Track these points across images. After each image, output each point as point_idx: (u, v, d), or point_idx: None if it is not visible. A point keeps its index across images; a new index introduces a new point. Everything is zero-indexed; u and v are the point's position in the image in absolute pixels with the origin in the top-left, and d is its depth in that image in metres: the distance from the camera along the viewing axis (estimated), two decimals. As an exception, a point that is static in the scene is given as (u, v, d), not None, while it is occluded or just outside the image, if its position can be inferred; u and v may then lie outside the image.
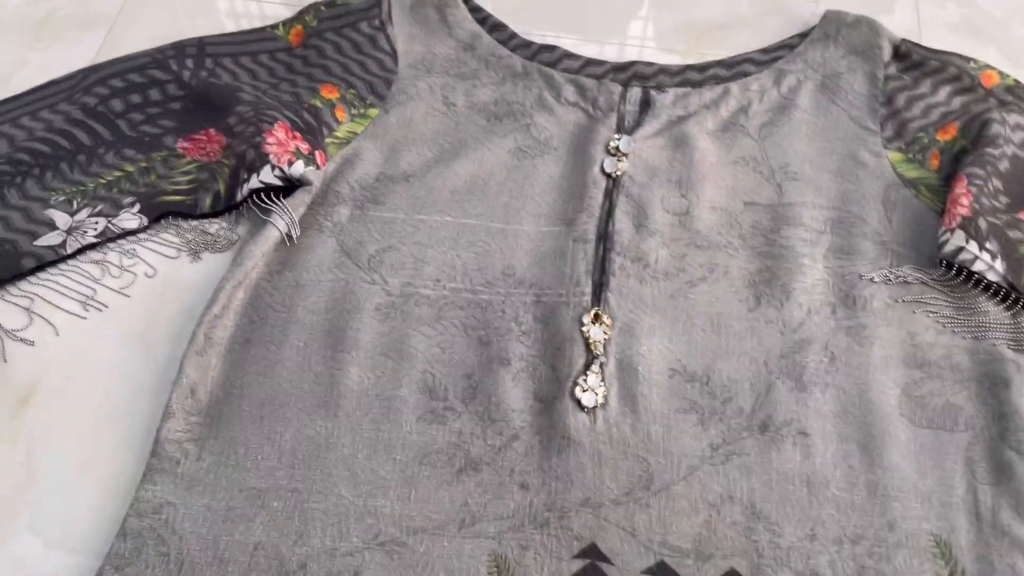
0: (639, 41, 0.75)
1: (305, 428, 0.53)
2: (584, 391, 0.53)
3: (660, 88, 0.68)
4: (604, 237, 0.60)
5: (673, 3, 0.77)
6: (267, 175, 0.60)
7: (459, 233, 0.61)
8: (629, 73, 0.69)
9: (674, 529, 0.49)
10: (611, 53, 0.71)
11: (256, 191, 0.60)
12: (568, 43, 0.72)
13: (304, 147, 0.62)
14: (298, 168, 0.60)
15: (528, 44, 0.71)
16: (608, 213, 0.61)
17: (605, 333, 0.55)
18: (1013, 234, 0.57)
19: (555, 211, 0.62)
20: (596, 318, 0.56)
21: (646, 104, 0.67)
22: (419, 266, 0.59)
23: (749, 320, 0.57)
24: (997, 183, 0.60)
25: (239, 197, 0.60)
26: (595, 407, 0.53)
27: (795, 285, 0.58)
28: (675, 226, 0.61)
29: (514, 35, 0.72)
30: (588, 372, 0.54)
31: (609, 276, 0.58)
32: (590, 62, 0.70)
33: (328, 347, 0.56)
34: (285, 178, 0.60)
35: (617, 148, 0.64)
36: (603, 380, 0.54)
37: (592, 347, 0.55)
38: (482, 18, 0.73)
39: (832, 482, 0.51)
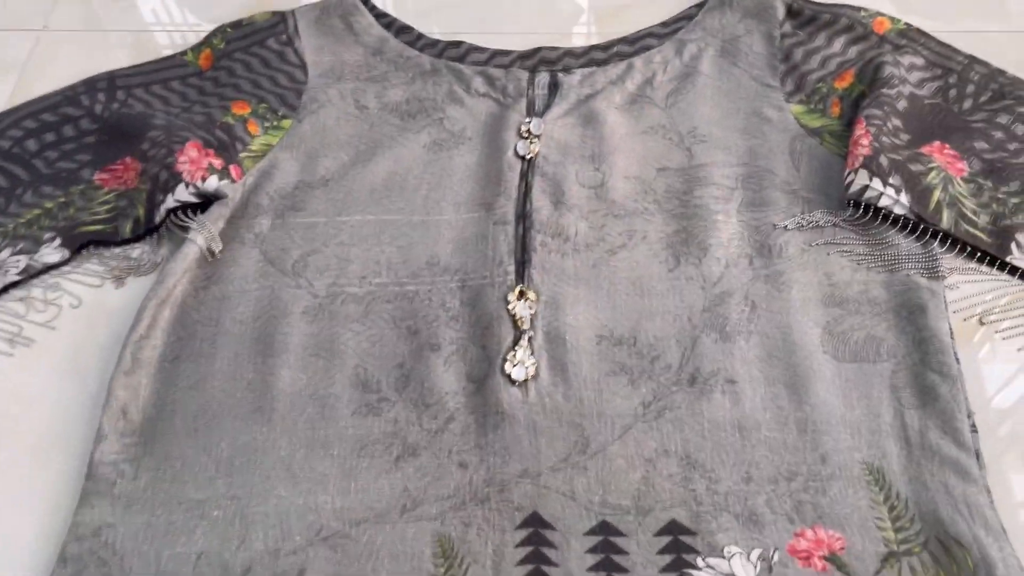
0: (546, 29, 0.76)
1: (241, 435, 0.53)
2: (514, 366, 0.54)
3: (567, 70, 0.69)
4: (523, 217, 0.61)
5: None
6: (182, 193, 0.60)
7: (381, 230, 0.61)
8: (536, 59, 0.71)
9: (613, 488, 0.50)
10: (518, 45, 0.72)
11: (173, 210, 0.61)
12: (475, 39, 0.74)
13: (218, 163, 0.62)
14: (212, 183, 0.61)
15: (435, 43, 0.72)
16: (525, 194, 0.62)
17: (531, 308, 0.56)
18: (915, 167, 0.59)
19: (474, 197, 0.63)
20: (521, 295, 0.57)
21: (554, 87, 0.68)
22: (344, 266, 0.60)
23: (670, 280, 0.58)
24: (896, 122, 0.62)
25: (157, 219, 0.61)
26: (526, 380, 0.53)
27: (711, 241, 0.59)
28: (591, 198, 0.62)
29: (421, 36, 0.73)
30: (517, 347, 0.54)
31: (531, 253, 0.59)
32: (497, 53, 0.71)
33: (258, 354, 0.56)
34: (200, 194, 0.61)
35: (529, 131, 0.65)
36: (532, 353, 0.54)
37: (519, 323, 0.55)
38: (388, 23, 0.74)
39: (763, 424, 0.51)
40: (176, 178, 0.60)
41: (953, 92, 0.65)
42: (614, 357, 0.54)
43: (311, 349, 0.56)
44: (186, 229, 0.60)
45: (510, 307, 0.56)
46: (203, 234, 0.60)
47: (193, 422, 0.53)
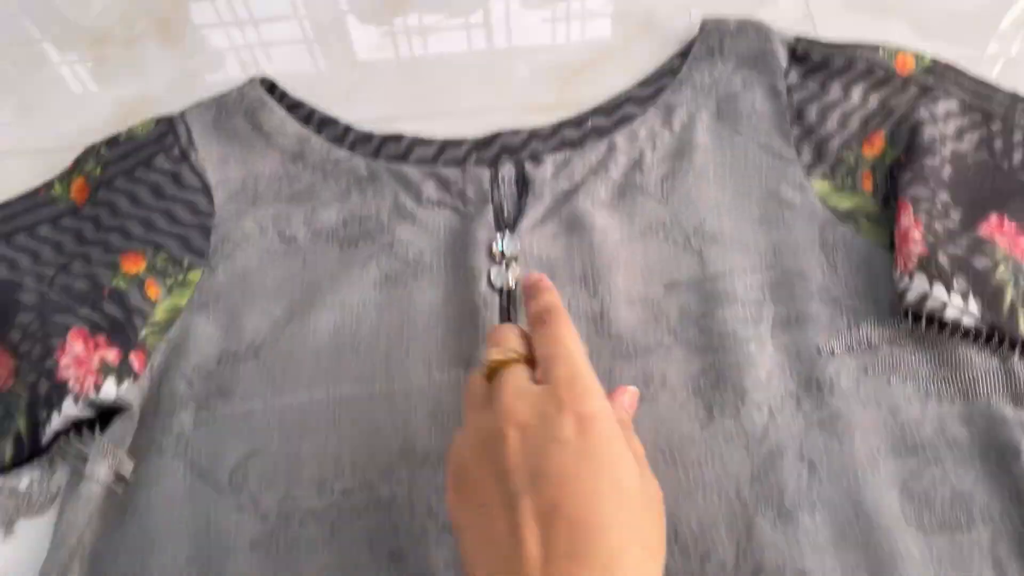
0: (500, 103, 0.62)
1: None
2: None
3: (535, 158, 0.56)
4: None
5: (526, 50, 0.65)
6: (70, 408, 0.46)
7: (336, 411, 0.49)
8: (495, 148, 0.57)
9: None
10: (470, 128, 0.58)
11: (63, 433, 0.47)
12: (415, 126, 0.60)
13: (112, 355, 0.48)
14: (109, 390, 0.47)
15: (368, 137, 0.58)
16: None
17: None
18: (980, 263, 0.48)
19: (447, 349, 0.50)
20: None
21: (523, 184, 0.55)
22: (294, 470, 0.47)
23: (706, 440, 0.46)
24: (944, 197, 0.51)
25: (44, 441, 0.47)
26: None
27: (747, 382, 0.48)
28: (591, 336, 0.50)
29: (349, 129, 0.59)
30: None
31: None
32: (447, 144, 0.57)
33: (203, 613, 0.43)
34: (95, 406, 0.47)
35: (502, 253, 0.52)
36: None
37: None
38: (305, 115, 0.60)
39: None
40: (60, 389, 0.46)
41: (999, 144, 0.54)
42: None
43: None
44: (83, 455, 0.46)
45: None
46: (107, 463, 0.46)
47: None
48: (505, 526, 0.32)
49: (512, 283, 0.51)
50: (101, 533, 0.46)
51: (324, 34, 0.67)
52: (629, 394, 0.42)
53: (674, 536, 0.44)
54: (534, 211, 0.54)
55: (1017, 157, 0.54)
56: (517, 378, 0.36)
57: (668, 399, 0.48)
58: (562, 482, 0.32)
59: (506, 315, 0.50)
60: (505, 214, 0.55)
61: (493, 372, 0.38)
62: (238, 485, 0.47)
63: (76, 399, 0.46)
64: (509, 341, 0.39)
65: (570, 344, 0.38)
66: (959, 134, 0.55)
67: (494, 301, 0.51)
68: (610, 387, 0.47)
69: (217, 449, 0.48)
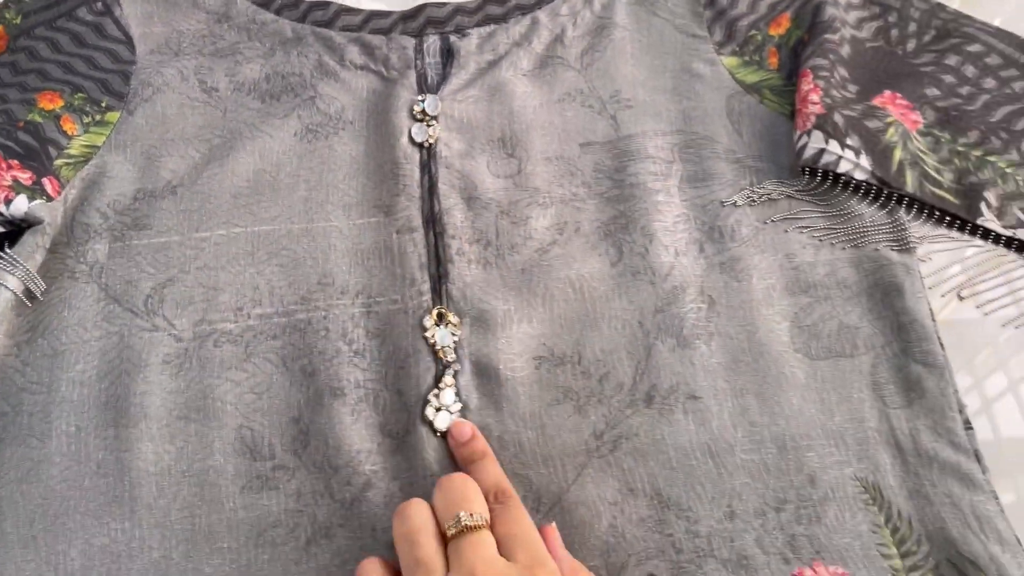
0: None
1: (96, 537, 0.41)
2: (438, 411, 0.44)
3: (460, 31, 0.58)
4: (432, 221, 0.50)
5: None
6: (-20, 222, 0.46)
7: (255, 245, 0.49)
8: (421, 20, 0.58)
9: (577, 546, 0.41)
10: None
11: (-30, 246, 0.47)
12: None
13: (25, 176, 0.48)
14: (20, 205, 0.47)
15: (295, 3, 0.59)
16: (430, 191, 0.51)
17: (454, 335, 0.46)
18: (872, 124, 0.52)
19: (367, 198, 0.51)
20: (440, 318, 0.47)
21: (448, 54, 0.57)
22: (212, 296, 0.47)
23: (614, 276, 0.49)
24: (843, 71, 0.54)
25: (-50, 257, 0.46)
26: (453, 428, 0.43)
27: (655, 226, 0.50)
28: (509, 189, 0.52)
29: (276, -7, 0.60)
30: (440, 387, 0.44)
31: (447, 265, 0.48)
32: (374, 14, 0.58)
33: (108, 424, 0.44)
34: (6, 222, 0.47)
35: (423, 112, 0.54)
36: (458, 393, 0.44)
37: (441, 354, 0.45)
38: (232, -21, 0.60)
39: (736, 446, 0.44)
40: (-31, 203, 0.46)
41: (895, 32, 0.58)
42: (556, 381, 0.45)
43: (178, 411, 0.44)
44: (-8, 267, 0.46)
45: (427, 335, 0.46)
46: (15, 274, 0.46)
47: (29, 527, 0.41)
48: None
49: (432, 140, 0.53)
50: (8, 349, 0.46)
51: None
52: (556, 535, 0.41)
53: (578, 359, 0.46)
54: (457, 78, 0.55)
55: (911, 45, 0.58)
56: (487, 548, 0.36)
57: (581, 242, 0.50)
58: None
59: (426, 169, 0.52)
60: (428, 81, 0.56)
61: (460, 532, 0.36)
62: (153, 308, 0.47)
63: (-14, 211, 0.46)
64: (475, 505, 0.37)
65: (527, 526, 0.38)
66: (859, 23, 0.58)
67: (415, 156, 0.52)
68: (529, 234, 0.49)
69: (132, 276, 0.48)
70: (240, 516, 0.42)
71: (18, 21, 0.56)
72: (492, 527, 0.37)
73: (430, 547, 0.36)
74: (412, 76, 0.56)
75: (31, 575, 0.40)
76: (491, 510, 0.38)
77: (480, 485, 0.39)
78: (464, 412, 0.44)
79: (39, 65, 0.54)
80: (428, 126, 0.53)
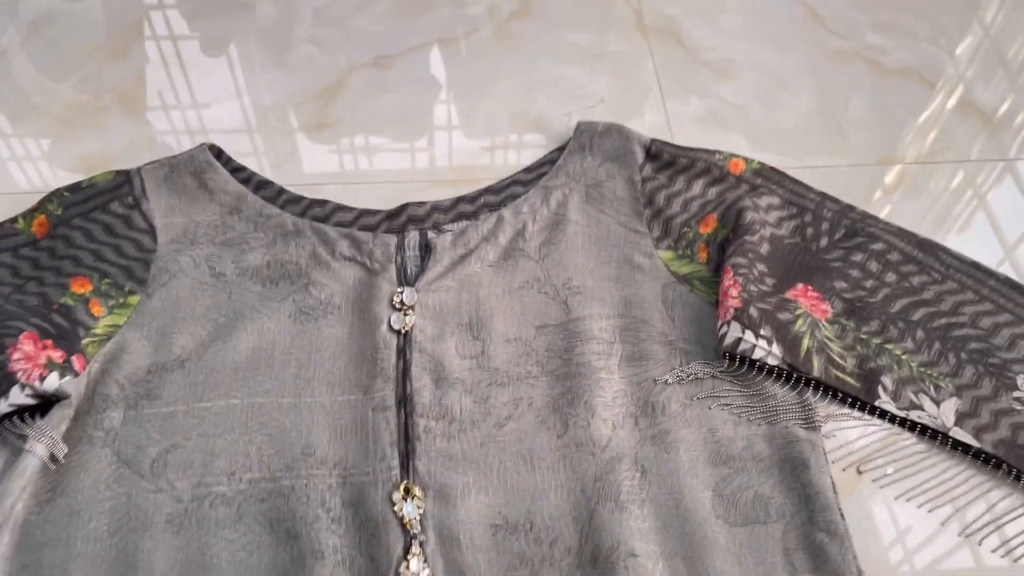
0: (409, 179, 0.75)
1: None
2: (408, 580, 0.50)
3: (437, 228, 0.67)
4: (404, 401, 0.57)
5: (437, 139, 0.78)
6: (16, 396, 0.54)
7: (249, 416, 0.57)
8: (403, 218, 0.68)
9: None
10: (385, 198, 0.70)
11: (7, 416, 0.54)
12: (338, 191, 0.71)
13: (57, 355, 0.56)
14: (52, 382, 0.55)
15: (298, 199, 0.69)
16: (404, 373, 0.59)
17: (419, 507, 0.53)
18: (783, 316, 0.60)
19: (348, 377, 0.59)
20: (407, 492, 0.53)
21: (426, 249, 0.66)
22: (209, 461, 0.55)
23: (560, 448, 0.56)
24: (761, 267, 0.64)
25: (-12, 426, 0.54)
26: (423, 595, 0.50)
27: (596, 401, 0.58)
28: (473, 369, 0.60)
29: (282, 191, 0.70)
30: (408, 556, 0.51)
31: (415, 442, 0.56)
32: (363, 213, 0.68)
33: (118, 577, 0.50)
34: (38, 396, 0.54)
35: (402, 302, 0.62)
36: (426, 561, 0.51)
37: (408, 526, 0.52)
38: (245, 178, 0.70)
39: None
40: (9, 379, 0.54)
41: (810, 231, 0.68)
42: (512, 548, 0.52)
43: (180, 566, 0.51)
44: (23, 437, 0.54)
45: (396, 509, 0.53)
46: (43, 441, 0.53)
47: None
48: None
49: (408, 327, 0.61)
50: (32, 508, 0.52)
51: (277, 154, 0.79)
52: None
53: (530, 527, 0.53)
54: (433, 271, 0.64)
55: (823, 241, 0.68)
56: None
57: (532, 417, 0.57)
58: None
59: (401, 353, 0.60)
60: (407, 272, 0.65)
61: None
62: (158, 472, 0.54)
63: (22, 387, 0.54)
64: None
65: None
66: (778, 223, 0.68)
67: (392, 341, 0.60)
68: (488, 411, 0.57)
69: (141, 442, 0.55)
70: (228, 665, 0.48)
71: (59, 212, 0.65)
72: None
73: None
74: (392, 270, 0.64)
75: None
76: None
77: None
78: (432, 577, 0.50)
79: (73, 252, 0.63)
80: (405, 315, 0.61)
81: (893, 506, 0.56)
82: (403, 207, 0.68)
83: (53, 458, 0.54)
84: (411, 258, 0.66)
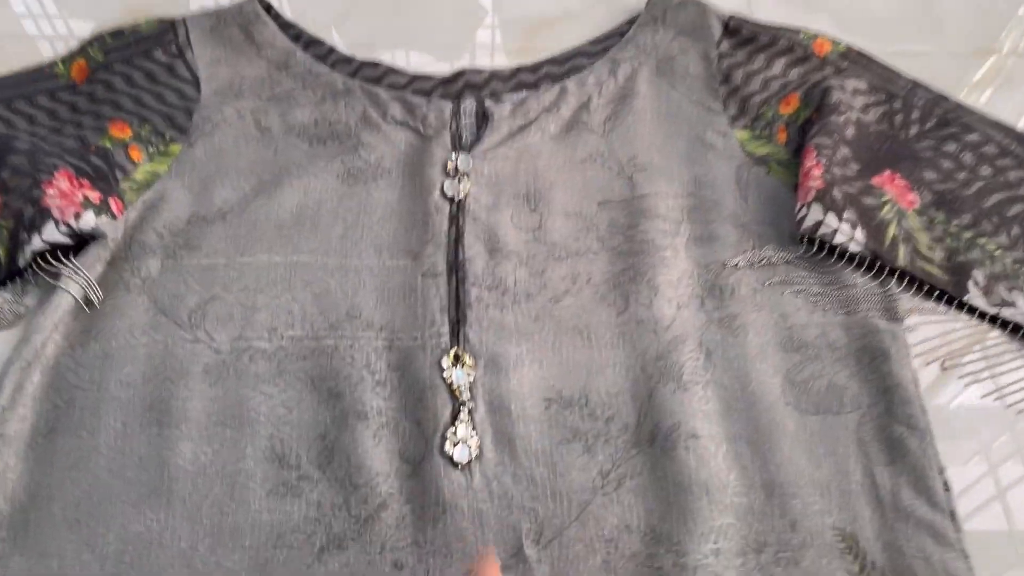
0: (469, 44, 0.70)
1: (132, 524, 0.45)
2: (455, 445, 0.47)
3: (495, 97, 0.62)
4: (455, 268, 0.54)
5: (498, 2, 0.73)
6: (51, 233, 0.51)
7: (292, 273, 0.54)
8: (459, 84, 0.63)
9: None
10: (441, 61, 0.65)
11: (41, 253, 0.51)
12: (393, 56, 0.66)
13: (94, 195, 0.53)
14: (88, 220, 0.52)
15: (349, 60, 0.65)
16: (456, 241, 0.55)
17: (469, 374, 0.50)
18: (868, 201, 0.56)
19: (398, 242, 0.56)
20: (457, 359, 0.50)
21: (483, 117, 0.61)
22: (249, 315, 0.52)
23: (619, 325, 0.52)
24: (846, 151, 0.59)
25: (22, 263, 0.51)
26: (469, 461, 0.47)
27: (660, 280, 0.54)
28: (530, 242, 0.56)
29: (332, 50, 0.65)
30: (456, 422, 0.48)
31: (466, 310, 0.52)
32: (417, 78, 0.64)
33: (152, 424, 0.48)
34: (74, 234, 0.52)
35: (455, 168, 0.58)
36: (474, 428, 0.48)
37: (457, 393, 0.49)
38: (295, 34, 0.66)
39: (729, 487, 0.47)
40: (44, 215, 0.51)
41: (899, 118, 0.63)
42: (565, 422, 0.49)
43: (216, 416, 0.48)
44: (57, 276, 0.51)
45: (445, 375, 0.50)
46: (78, 281, 0.51)
47: (75, 511, 0.45)
48: None
49: (462, 194, 0.57)
50: (64, 350, 0.50)
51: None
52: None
53: (585, 402, 0.50)
54: (490, 139, 0.60)
55: (913, 130, 0.62)
56: None
57: (591, 293, 0.54)
58: None
59: (454, 221, 0.56)
60: (462, 140, 0.61)
61: None
62: (196, 322, 0.51)
63: (57, 224, 0.51)
64: None
65: None
66: (865, 108, 0.63)
67: (444, 208, 0.57)
68: (544, 284, 0.53)
69: (180, 291, 0.52)
70: (264, 518, 0.45)
71: (100, 57, 0.62)
72: None
73: None
74: (447, 136, 0.60)
75: (72, 553, 0.44)
76: None
77: None
78: (480, 446, 0.48)
79: (114, 96, 0.60)
80: (459, 182, 0.57)
81: (1016, 422, 0.51)
82: (460, 73, 0.64)
83: (87, 300, 0.51)
84: (467, 126, 0.61)
